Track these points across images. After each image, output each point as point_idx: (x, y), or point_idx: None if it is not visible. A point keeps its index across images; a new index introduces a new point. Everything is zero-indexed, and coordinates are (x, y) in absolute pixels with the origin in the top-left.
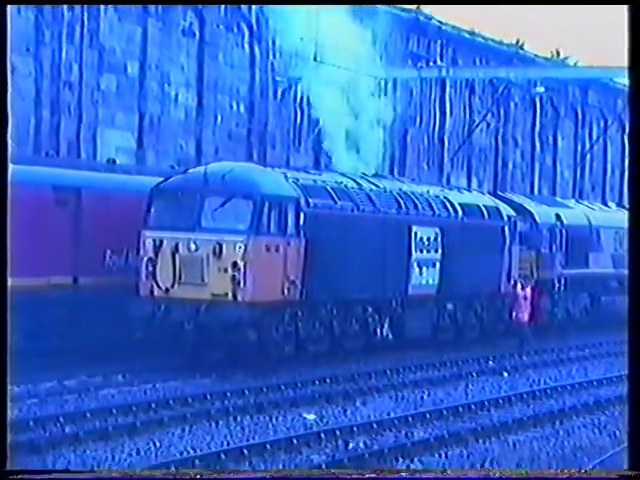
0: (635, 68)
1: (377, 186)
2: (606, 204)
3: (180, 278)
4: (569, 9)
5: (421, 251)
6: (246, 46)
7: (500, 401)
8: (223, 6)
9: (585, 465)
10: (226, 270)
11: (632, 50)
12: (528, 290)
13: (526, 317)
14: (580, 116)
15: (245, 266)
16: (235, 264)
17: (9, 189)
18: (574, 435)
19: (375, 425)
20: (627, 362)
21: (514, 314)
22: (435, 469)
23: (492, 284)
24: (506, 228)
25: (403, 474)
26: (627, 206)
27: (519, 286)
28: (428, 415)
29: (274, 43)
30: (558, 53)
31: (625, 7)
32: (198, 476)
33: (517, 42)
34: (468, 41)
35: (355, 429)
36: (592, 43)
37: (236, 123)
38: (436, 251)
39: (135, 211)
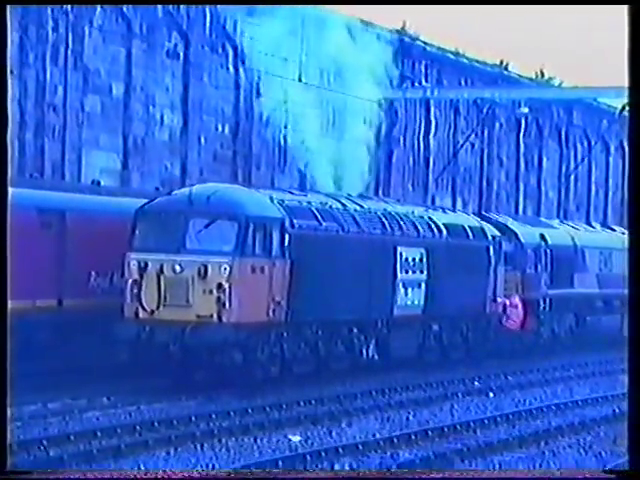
0: (635, 68)
1: (362, 207)
2: (590, 224)
3: (165, 300)
4: (554, 28)
5: (406, 272)
6: (231, 67)
7: (485, 422)
8: (208, 27)
9: None
10: (211, 292)
11: (632, 50)
12: (517, 299)
13: (517, 323)
14: (564, 136)
15: (230, 287)
16: (220, 285)
17: None
18: (559, 455)
19: (361, 446)
20: (627, 360)
21: (504, 320)
22: (435, 470)
23: (477, 305)
24: (491, 248)
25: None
26: (613, 226)
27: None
28: (413, 436)
29: (259, 64)
30: (542, 73)
31: (625, 7)
32: (199, 476)
33: (501, 63)
34: (453, 62)
35: (340, 450)
36: (577, 63)
37: (221, 144)
38: (421, 272)
39: (120, 233)
